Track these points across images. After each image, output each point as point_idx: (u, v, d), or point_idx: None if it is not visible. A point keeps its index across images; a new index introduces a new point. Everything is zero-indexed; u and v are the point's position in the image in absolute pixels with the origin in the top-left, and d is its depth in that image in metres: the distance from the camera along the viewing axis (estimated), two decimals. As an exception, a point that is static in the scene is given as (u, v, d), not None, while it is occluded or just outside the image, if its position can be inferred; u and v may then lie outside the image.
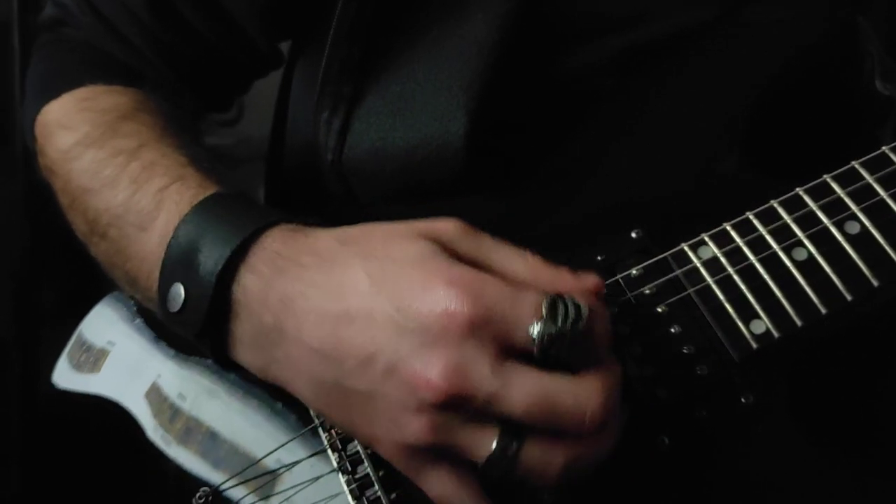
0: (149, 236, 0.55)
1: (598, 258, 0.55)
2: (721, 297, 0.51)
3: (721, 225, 0.53)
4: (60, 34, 0.72)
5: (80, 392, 0.68)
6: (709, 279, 0.52)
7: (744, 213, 0.53)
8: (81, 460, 0.67)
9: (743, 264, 0.52)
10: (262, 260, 0.50)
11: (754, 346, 0.50)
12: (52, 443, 0.71)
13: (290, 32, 0.76)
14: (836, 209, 0.52)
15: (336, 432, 0.57)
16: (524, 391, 0.43)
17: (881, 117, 0.62)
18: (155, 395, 0.64)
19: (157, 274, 0.53)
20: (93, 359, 0.68)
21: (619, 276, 0.54)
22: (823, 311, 0.50)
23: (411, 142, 0.61)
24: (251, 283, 0.50)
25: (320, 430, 0.58)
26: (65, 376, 0.70)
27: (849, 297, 0.50)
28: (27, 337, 1.29)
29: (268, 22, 0.70)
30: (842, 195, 0.52)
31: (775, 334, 0.50)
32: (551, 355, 0.44)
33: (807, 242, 0.51)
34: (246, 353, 0.51)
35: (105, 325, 0.70)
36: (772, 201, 0.53)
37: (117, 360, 0.67)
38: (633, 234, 0.55)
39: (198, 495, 0.58)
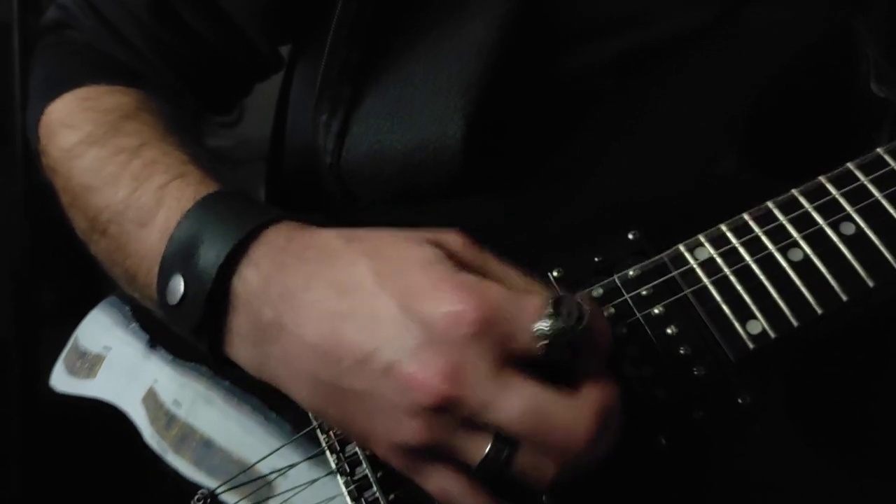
0: (149, 232, 0.55)
1: (596, 259, 0.55)
2: (718, 297, 0.52)
3: (717, 226, 0.53)
4: (63, 36, 0.72)
5: (79, 396, 0.68)
6: (705, 280, 0.52)
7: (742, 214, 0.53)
8: (81, 461, 0.67)
9: (739, 265, 0.52)
10: (264, 254, 0.50)
11: (751, 346, 0.51)
12: (52, 444, 0.71)
13: (290, 35, 0.76)
14: (831, 210, 0.52)
15: (335, 433, 0.57)
16: (518, 402, 0.43)
17: (877, 119, 0.62)
18: (151, 401, 0.64)
19: (156, 270, 0.53)
20: (88, 364, 0.68)
21: (616, 277, 0.54)
22: (819, 311, 0.50)
23: (409, 144, 0.61)
24: (252, 276, 0.50)
25: (318, 431, 0.58)
26: (62, 381, 0.70)
27: (844, 298, 0.50)
28: (27, 337, 1.29)
29: (268, 24, 0.70)
30: (837, 196, 0.52)
31: (772, 335, 0.50)
32: (553, 355, 0.44)
33: (802, 243, 0.51)
34: (242, 349, 0.51)
35: (100, 330, 0.70)
36: (767, 202, 0.53)
37: (113, 365, 0.67)
38: (630, 236, 0.55)
39: (196, 498, 0.59)
